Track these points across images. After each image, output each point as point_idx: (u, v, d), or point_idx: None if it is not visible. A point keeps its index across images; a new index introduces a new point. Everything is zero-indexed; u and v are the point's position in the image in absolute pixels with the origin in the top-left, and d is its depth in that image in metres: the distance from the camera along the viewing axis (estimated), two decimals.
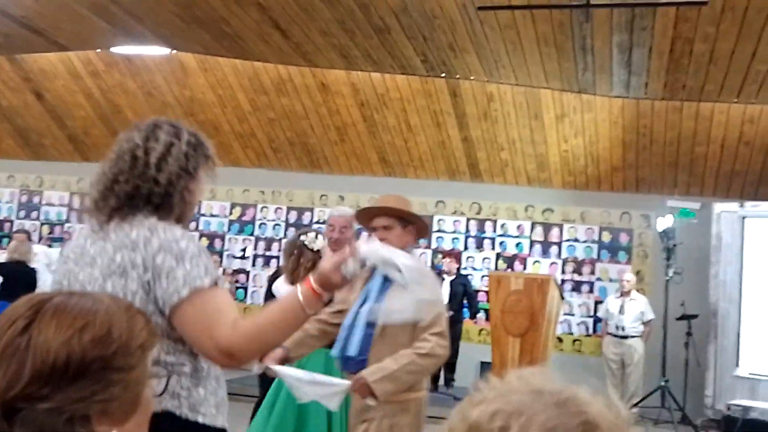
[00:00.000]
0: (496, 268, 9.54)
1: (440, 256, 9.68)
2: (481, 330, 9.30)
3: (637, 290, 8.63)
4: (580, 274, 9.47)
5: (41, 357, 0.93)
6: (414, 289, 2.75)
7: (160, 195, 1.82)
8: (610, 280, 9.29)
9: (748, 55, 6.72)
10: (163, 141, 1.87)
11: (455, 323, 7.89)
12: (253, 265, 10.39)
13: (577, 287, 9.45)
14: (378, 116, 9.30)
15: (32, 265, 7.31)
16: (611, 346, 8.37)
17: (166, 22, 7.84)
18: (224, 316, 1.71)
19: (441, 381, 8.43)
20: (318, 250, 3.99)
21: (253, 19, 7.45)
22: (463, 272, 9.41)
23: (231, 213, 10.56)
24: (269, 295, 4.58)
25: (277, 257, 10.27)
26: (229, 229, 10.55)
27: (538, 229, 9.68)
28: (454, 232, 9.83)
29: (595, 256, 9.48)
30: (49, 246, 8.55)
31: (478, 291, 9.39)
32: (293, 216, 10.41)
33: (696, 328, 8.06)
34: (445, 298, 7.53)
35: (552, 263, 9.52)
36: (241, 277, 10.40)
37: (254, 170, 10.37)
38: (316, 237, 4.09)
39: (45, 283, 6.83)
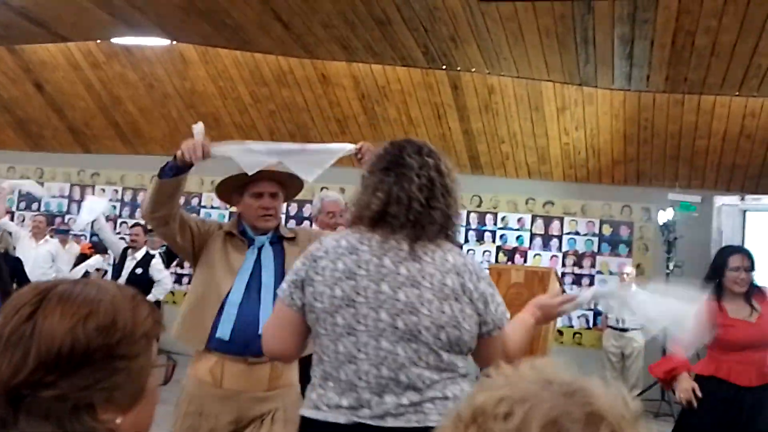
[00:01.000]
0: (497, 261, 9.53)
1: None
2: None
3: (638, 283, 8.64)
4: (580, 267, 9.47)
5: (46, 344, 0.94)
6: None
7: (450, 219, 1.98)
8: (611, 273, 9.29)
9: (750, 49, 6.70)
10: (445, 167, 2.03)
11: None
12: None
13: (577, 280, 9.45)
14: (379, 108, 9.28)
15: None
16: (611, 338, 8.38)
17: (167, 12, 7.81)
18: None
19: None
20: None
21: (255, 10, 7.42)
22: None
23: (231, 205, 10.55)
24: None
25: None
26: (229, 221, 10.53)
27: (539, 222, 9.67)
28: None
29: (595, 249, 9.48)
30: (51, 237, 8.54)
31: None
32: (293, 208, 10.40)
33: None
34: None
35: (552, 256, 9.52)
36: None
37: None
38: None
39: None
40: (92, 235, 10.12)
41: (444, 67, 8.38)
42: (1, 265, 6.04)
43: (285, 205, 10.35)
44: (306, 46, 8.35)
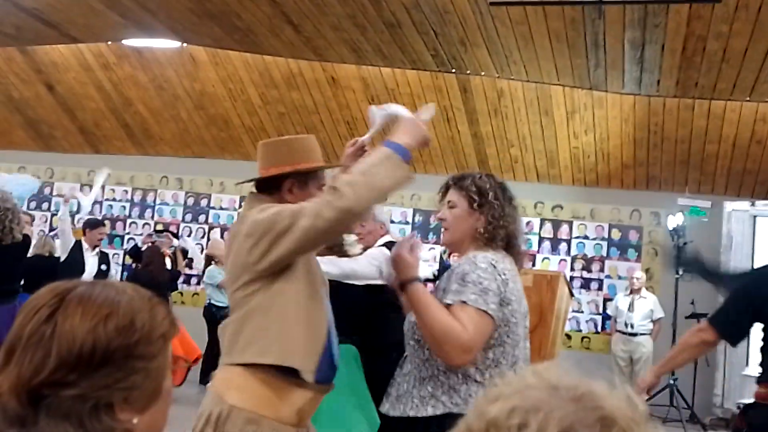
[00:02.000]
0: None
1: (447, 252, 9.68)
2: None
3: (647, 288, 8.61)
4: (589, 271, 9.45)
5: (67, 344, 0.95)
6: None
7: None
8: (620, 278, 9.26)
9: (761, 54, 6.68)
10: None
11: None
12: None
13: (586, 284, 9.43)
14: None
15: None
16: (620, 343, 8.35)
17: (178, 15, 7.85)
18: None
19: None
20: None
21: (265, 13, 7.45)
22: None
23: (240, 206, 10.58)
24: None
25: None
26: None
27: (548, 226, 9.66)
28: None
29: (604, 253, 9.46)
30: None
31: None
32: None
33: None
34: None
35: (561, 260, 9.50)
36: None
37: None
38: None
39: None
40: None
41: (453, 70, 8.38)
42: (38, 268, 6.09)
43: None
44: (316, 49, 8.37)
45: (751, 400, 3.40)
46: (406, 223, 10.03)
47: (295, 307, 2.19)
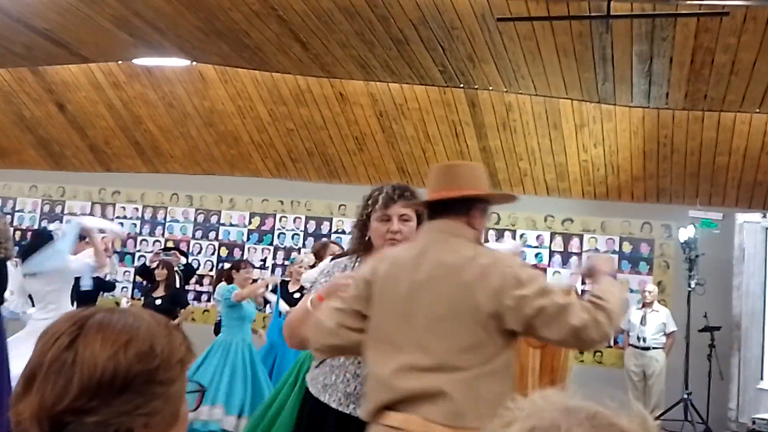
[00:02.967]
0: None
1: None
2: None
3: (659, 301, 8.56)
4: None
5: (89, 371, 0.96)
6: None
7: None
8: (631, 291, 9.20)
9: None
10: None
11: None
12: (272, 274, 10.42)
13: None
14: (396, 126, 9.31)
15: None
16: (633, 357, 8.29)
17: (187, 34, 7.91)
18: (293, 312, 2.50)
19: None
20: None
21: (273, 31, 7.50)
22: None
23: (250, 222, 10.62)
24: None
25: None
26: (248, 239, 10.60)
27: (558, 240, 9.62)
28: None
29: (615, 266, 9.41)
30: None
31: None
32: (312, 226, 10.44)
33: (719, 340, 7.97)
34: None
35: (572, 273, 9.45)
36: None
37: (273, 180, 10.42)
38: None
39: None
40: None
41: (462, 85, 8.40)
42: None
43: (303, 222, 10.43)
44: (324, 66, 8.41)
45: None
46: None
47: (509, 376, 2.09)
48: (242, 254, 10.50)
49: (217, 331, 8.52)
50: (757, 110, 7.71)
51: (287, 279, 7.34)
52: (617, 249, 9.43)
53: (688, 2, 5.65)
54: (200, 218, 10.75)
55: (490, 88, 8.34)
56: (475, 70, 7.84)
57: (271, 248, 10.48)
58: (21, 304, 6.55)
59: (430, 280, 2.06)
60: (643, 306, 8.40)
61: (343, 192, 10.22)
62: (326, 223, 10.41)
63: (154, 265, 8.70)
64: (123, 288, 10.58)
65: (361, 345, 2.14)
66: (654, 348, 8.13)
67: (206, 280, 10.44)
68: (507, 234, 9.79)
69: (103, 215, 10.98)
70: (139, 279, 10.16)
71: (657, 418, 7.37)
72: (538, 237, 9.69)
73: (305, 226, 10.46)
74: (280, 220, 10.54)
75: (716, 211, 8.76)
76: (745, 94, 7.34)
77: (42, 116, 10.56)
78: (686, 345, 7.93)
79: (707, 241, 8.44)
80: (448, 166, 2.44)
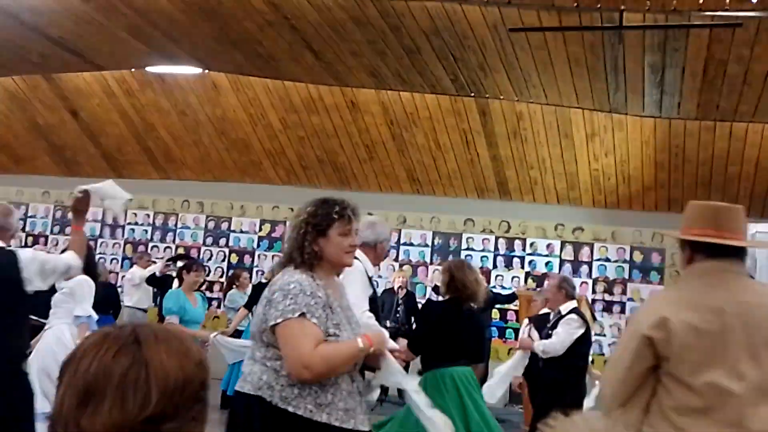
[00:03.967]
0: (526, 287, 9.49)
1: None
2: (510, 349, 9.24)
3: None
4: (611, 294, 9.38)
5: (163, 381, 1.01)
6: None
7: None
8: (642, 301, 9.18)
9: None
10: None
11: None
12: None
13: (608, 307, 9.36)
14: (407, 135, 9.34)
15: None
16: None
17: (201, 43, 7.97)
18: (305, 340, 2.41)
19: None
20: None
21: (286, 40, 7.54)
22: (492, 290, 9.39)
23: (260, 229, 10.65)
24: None
25: None
26: (258, 246, 10.63)
27: (569, 248, 9.62)
28: (483, 250, 9.80)
29: (626, 275, 9.39)
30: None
31: (507, 310, 9.36)
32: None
33: None
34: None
35: (582, 283, 9.44)
36: None
37: (284, 187, 10.45)
38: None
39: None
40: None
41: (472, 94, 8.42)
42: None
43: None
44: (336, 75, 8.45)
45: None
46: (426, 245, 10.04)
47: None
48: (252, 261, 10.55)
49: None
50: None
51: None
52: (628, 258, 9.41)
53: (701, 13, 5.65)
54: (211, 225, 10.80)
55: (501, 97, 8.36)
56: (486, 79, 7.86)
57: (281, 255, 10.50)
58: None
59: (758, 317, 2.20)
60: None
61: (354, 199, 10.17)
62: None
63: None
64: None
65: None
66: None
67: (216, 287, 10.48)
68: (517, 242, 9.79)
69: (115, 221, 11.05)
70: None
71: None
72: (548, 246, 9.69)
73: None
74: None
75: None
76: (758, 105, 7.33)
77: (55, 123, 10.64)
78: None
79: None
80: (730, 208, 2.47)
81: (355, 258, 3.16)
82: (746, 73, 6.67)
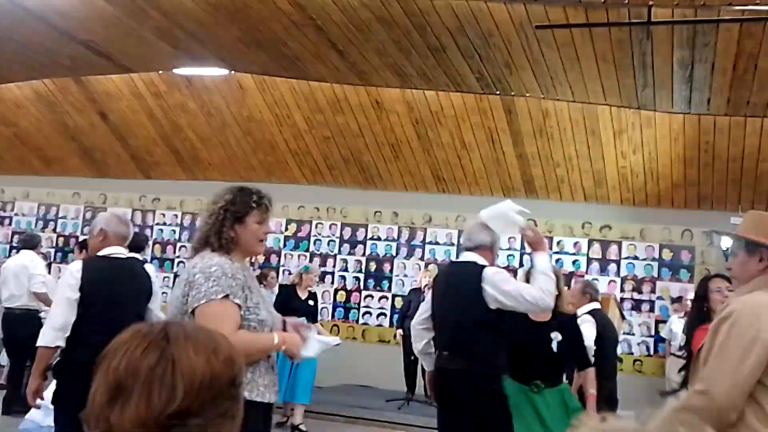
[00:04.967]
0: None
1: None
2: None
3: None
4: (639, 292, 9.28)
5: (190, 377, 1.02)
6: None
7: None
8: (672, 299, 9.07)
9: None
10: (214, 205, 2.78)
11: None
12: None
13: (636, 306, 9.26)
14: (432, 133, 9.32)
15: None
16: (675, 366, 8.15)
17: (227, 44, 8.03)
18: (226, 322, 2.44)
19: None
20: None
21: (311, 40, 7.57)
22: None
23: (287, 229, 10.71)
24: None
25: (332, 273, 10.36)
26: (284, 245, 10.69)
27: (596, 246, 9.53)
28: (509, 249, 9.76)
29: (655, 274, 9.28)
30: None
31: None
32: (347, 232, 10.49)
33: None
34: None
35: (611, 281, 9.36)
36: None
37: (309, 187, 10.50)
38: None
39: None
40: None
41: (498, 92, 8.38)
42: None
43: (339, 229, 10.49)
44: (361, 74, 8.47)
45: None
46: (452, 244, 10.01)
47: None
48: (279, 261, 10.61)
49: None
50: None
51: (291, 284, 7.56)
52: (657, 256, 9.30)
53: (731, 8, 5.56)
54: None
55: (527, 94, 8.31)
56: (512, 76, 7.82)
57: (307, 255, 10.56)
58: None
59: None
60: (685, 314, 8.26)
61: (379, 198, 10.26)
62: (362, 230, 10.45)
63: None
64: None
65: None
66: None
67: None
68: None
69: (144, 221, 11.19)
70: None
71: None
72: (575, 244, 9.61)
73: (341, 233, 10.52)
74: (316, 226, 10.62)
75: None
76: None
77: (85, 125, 10.80)
78: None
79: None
80: None
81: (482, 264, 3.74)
82: None
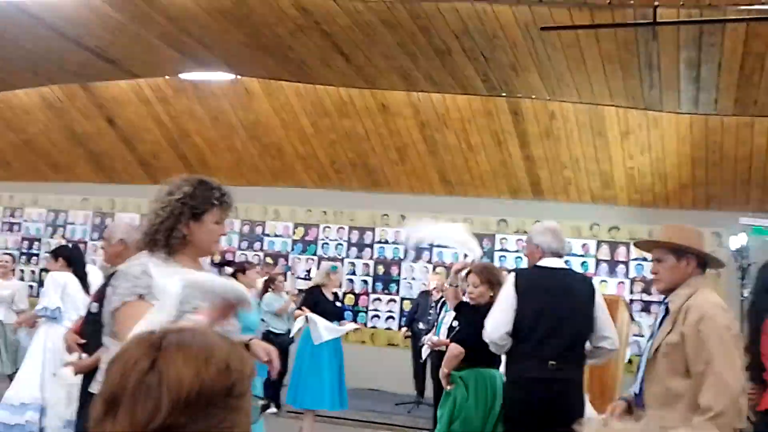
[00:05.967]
0: None
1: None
2: None
3: None
4: (649, 294, 9.24)
5: (176, 389, 0.99)
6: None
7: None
8: None
9: None
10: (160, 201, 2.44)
11: None
12: None
13: (646, 307, 9.22)
14: (438, 136, 9.32)
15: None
16: None
17: (233, 49, 8.05)
18: (141, 323, 2.19)
19: None
20: None
21: (317, 44, 7.58)
22: None
23: (294, 233, 10.72)
24: None
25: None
26: (292, 249, 10.71)
27: (604, 248, 9.49)
28: (517, 251, 9.73)
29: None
30: None
31: None
32: (355, 235, 10.50)
33: None
34: None
35: (619, 282, 9.32)
36: None
37: (316, 191, 10.51)
38: None
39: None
40: None
41: (504, 94, 8.37)
42: None
43: (347, 232, 10.49)
44: (367, 78, 8.47)
45: None
46: None
47: None
48: (287, 264, 10.62)
49: (263, 341, 8.61)
50: None
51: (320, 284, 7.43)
52: None
53: (737, 8, 5.54)
54: (245, 229, 10.90)
55: (533, 96, 8.29)
56: (517, 78, 7.81)
57: (315, 258, 10.57)
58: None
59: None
60: None
61: (386, 201, 10.26)
62: (369, 233, 10.46)
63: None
64: None
65: None
66: None
67: (252, 291, 10.56)
68: None
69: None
70: None
71: None
72: (583, 245, 9.58)
73: (348, 236, 10.52)
74: (324, 230, 10.63)
75: None
76: None
77: (93, 131, 10.84)
78: None
79: (760, 249, 8.22)
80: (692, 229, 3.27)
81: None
82: None
